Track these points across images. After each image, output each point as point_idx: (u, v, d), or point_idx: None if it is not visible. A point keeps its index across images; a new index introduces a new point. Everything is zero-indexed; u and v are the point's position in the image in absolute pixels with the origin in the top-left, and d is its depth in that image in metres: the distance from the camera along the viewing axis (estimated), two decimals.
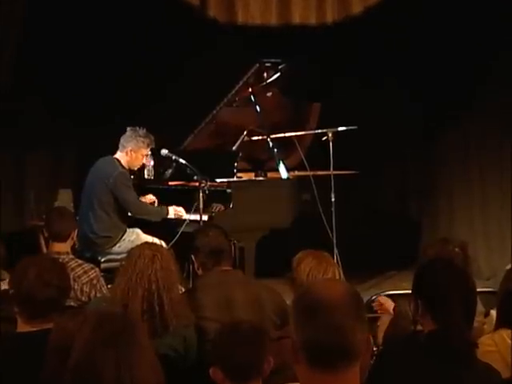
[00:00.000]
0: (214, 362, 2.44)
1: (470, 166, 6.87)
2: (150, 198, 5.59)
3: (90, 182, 5.32)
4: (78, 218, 5.12)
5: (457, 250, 3.53)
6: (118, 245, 5.21)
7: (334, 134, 5.80)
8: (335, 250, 5.54)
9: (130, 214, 5.29)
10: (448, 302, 2.37)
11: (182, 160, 5.29)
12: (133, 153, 5.29)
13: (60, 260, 3.54)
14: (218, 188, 5.45)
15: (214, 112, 5.96)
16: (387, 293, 4.23)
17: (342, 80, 7.02)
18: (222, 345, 2.46)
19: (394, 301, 3.55)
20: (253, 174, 6.22)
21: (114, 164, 5.25)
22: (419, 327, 2.51)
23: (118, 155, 5.32)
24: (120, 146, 5.32)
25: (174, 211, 5.37)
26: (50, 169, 7.13)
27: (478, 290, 2.59)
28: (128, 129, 5.33)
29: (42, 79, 6.65)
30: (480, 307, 3.24)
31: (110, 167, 5.25)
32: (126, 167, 5.32)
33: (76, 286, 3.93)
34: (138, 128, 5.30)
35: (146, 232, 5.30)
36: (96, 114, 6.82)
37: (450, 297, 2.38)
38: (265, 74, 5.98)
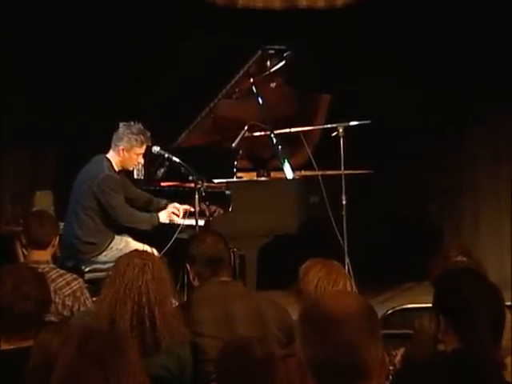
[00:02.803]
0: None
1: (498, 163, 6.87)
2: (184, 207, 5.39)
3: (77, 183, 5.32)
4: (63, 223, 5.14)
5: (461, 258, 3.52)
6: (104, 253, 5.22)
7: (345, 129, 5.80)
8: (346, 259, 5.54)
9: (116, 221, 5.29)
10: (474, 317, 2.37)
11: (175, 158, 5.29)
12: (125, 152, 5.28)
13: (39, 270, 3.54)
14: (216, 189, 5.45)
15: (212, 105, 5.96)
16: (405, 307, 4.23)
17: (355, 69, 7.02)
18: (227, 368, 2.44)
19: (412, 316, 3.55)
20: (254, 173, 6.22)
21: (102, 165, 5.24)
22: (441, 346, 2.51)
23: (110, 155, 5.32)
24: (112, 144, 5.31)
25: (168, 213, 5.34)
26: (27, 168, 7.14)
27: (507, 303, 2.59)
28: (120, 124, 5.30)
29: (19, 71, 6.66)
30: (508, 322, 3.24)
31: (97, 168, 5.24)
32: (119, 168, 5.32)
33: (57, 299, 3.92)
34: (132, 123, 5.27)
35: (136, 239, 5.30)
36: (79, 108, 6.83)
37: (476, 311, 2.37)
38: (268, 63, 5.98)
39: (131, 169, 5.49)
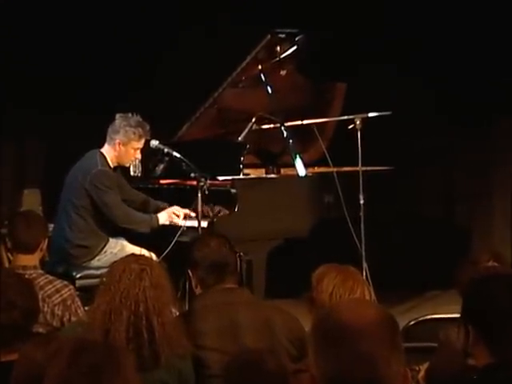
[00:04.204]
0: None
1: None
2: (185, 211, 5.36)
3: (68, 180, 5.33)
4: (53, 224, 5.15)
5: (491, 263, 3.52)
6: (97, 258, 5.23)
7: (363, 121, 5.79)
8: (364, 264, 5.54)
9: (112, 222, 5.29)
10: (508, 328, 2.36)
11: (175, 153, 5.30)
12: (121, 146, 5.27)
13: (26, 276, 3.55)
14: (221, 187, 5.46)
15: (216, 95, 5.97)
16: (429, 317, 4.22)
17: (373, 55, 7.01)
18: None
19: (437, 327, 3.54)
20: (263, 170, 6.22)
21: (95, 160, 5.25)
22: (470, 360, 2.50)
23: (105, 149, 5.32)
24: (107, 138, 5.31)
25: (168, 215, 5.35)
26: (12, 165, 7.16)
27: None
28: (117, 116, 5.30)
29: (3, 62, 6.68)
30: None
31: (91, 164, 5.25)
32: (115, 163, 5.32)
33: (46, 308, 3.93)
34: (129, 115, 5.27)
35: (133, 242, 5.30)
36: (69, 100, 6.84)
37: (511, 321, 2.37)
38: (278, 48, 5.98)
39: (127, 165, 5.49)
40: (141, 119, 5.27)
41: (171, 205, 5.43)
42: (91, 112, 6.45)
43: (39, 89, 6.81)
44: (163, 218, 5.34)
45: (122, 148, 5.28)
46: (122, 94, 6.53)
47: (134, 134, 5.25)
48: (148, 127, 5.29)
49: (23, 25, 6.70)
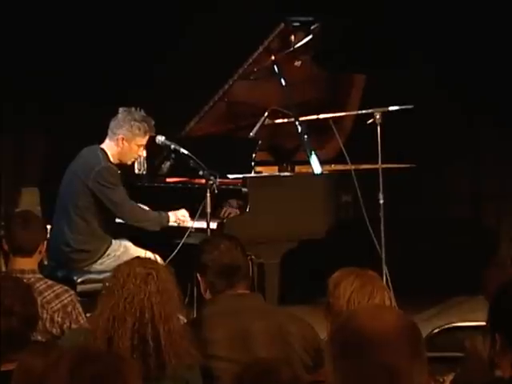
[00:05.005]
0: None
1: None
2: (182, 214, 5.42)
3: (67, 178, 5.34)
4: (50, 226, 5.16)
5: None
6: (99, 261, 5.24)
7: (383, 115, 5.79)
8: (384, 268, 5.54)
9: (118, 219, 5.31)
10: None
11: (183, 150, 5.31)
12: (125, 142, 5.28)
13: (24, 280, 3.56)
14: (231, 186, 5.46)
15: (226, 87, 5.98)
16: (454, 325, 4.22)
17: (394, 44, 7.01)
18: None
19: (463, 336, 3.54)
20: (276, 167, 6.23)
21: (97, 156, 5.26)
22: (498, 371, 2.50)
23: (106, 145, 5.33)
24: (109, 132, 5.32)
25: (176, 217, 5.37)
26: (10, 163, 7.18)
27: None
28: (120, 110, 5.31)
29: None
30: None
31: (92, 160, 5.26)
32: (116, 161, 5.32)
33: (45, 315, 3.95)
34: (133, 109, 5.28)
35: (137, 244, 5.31)
36: (68, 96, 6.86)
37: None
38: (292, 37, 5.98)
39: (129, 163, 5.47)
40: (145, 114, 5.28)
41: (176, 206, 5.44)
42: (93, 106, 6.47)
43: (39, 84, 6.83)
44: (172, 218, 5.35)
45: (126, 144, 5.28)
46: (124, 88, 6.54)
47: (139, 129, 5.25)
48: (153, 122, 5.30)
49: (23, 20, 6.73)
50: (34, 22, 6.76)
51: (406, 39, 6.98)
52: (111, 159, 5.31)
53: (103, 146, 5.32)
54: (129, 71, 6.87)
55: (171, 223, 5.34)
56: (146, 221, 5.31)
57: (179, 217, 5.36)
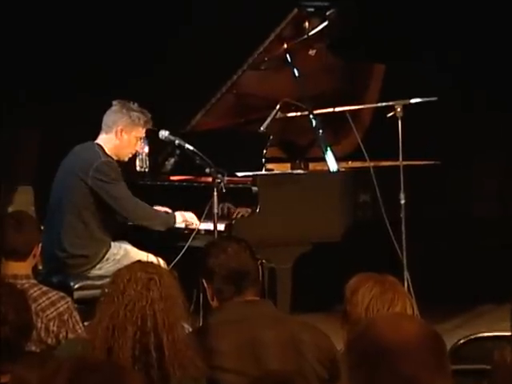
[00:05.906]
0: None
1: None
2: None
3: (60, 177, 5.36)
4: (43, 227, 5.17)
5: None
6: (98, 266, 5.25)
7: (404, 108, 5.79)
8: (406, 274, 5.54)
9: (121, 218, 5.31)
10: None
11: (188, 146, 5.32)
12: (124, 134, 5.30)
13: (18, 286, 3.57)
14: (240, 185, 5.47)
15: (234, 78, 5.99)
16: (481, 335, 4.20)
17: (416, 32, 7.00)
18: None
19: (491, 347, 3.54)
20: (288, 165, 6.23)
21: (95, 152, 5.28)
22: None
23: (102, 139, 5.35)
24: (104, 127, 5.34)
25: (184, 218, 5.37)
26: (3, 161, 7.20)
27: None
28: (114, 102, 5.34)
29: None
30: None
31: (90, 156, 5.28)
32: (113, 156, 5.34)
33: (39, 324, 3.96)
34: (127, 101, 5.31)
35: (138, 247, 5.32)
36: (63, 89, 6.88)
37: None
38: (306, 24, 5.99)
39: (126, 159, 5.48)
40: (140, 107, 5.33)
41: (181, 207, 5.46)
42: (89, 98, 6.49)
43: (34, 82, 6.86)
44: (179, 218, 5.36)
45: (125, 136, 5.30)
46: (123, 83, 6.55)
47: (139, 118, 5.28)
48: (149, 115, 5.33)
49: (20, 13, 6.76)
50: (33, 20, 6.79)
51: (431, 26, 6.97)
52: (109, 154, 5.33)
53: (99, 141, 5.34)
54: (128, 63, 6.89)
55: (178, 224, 5.35)
56: (151, 219, 5.32)
57: (187, 218, 5.37)
